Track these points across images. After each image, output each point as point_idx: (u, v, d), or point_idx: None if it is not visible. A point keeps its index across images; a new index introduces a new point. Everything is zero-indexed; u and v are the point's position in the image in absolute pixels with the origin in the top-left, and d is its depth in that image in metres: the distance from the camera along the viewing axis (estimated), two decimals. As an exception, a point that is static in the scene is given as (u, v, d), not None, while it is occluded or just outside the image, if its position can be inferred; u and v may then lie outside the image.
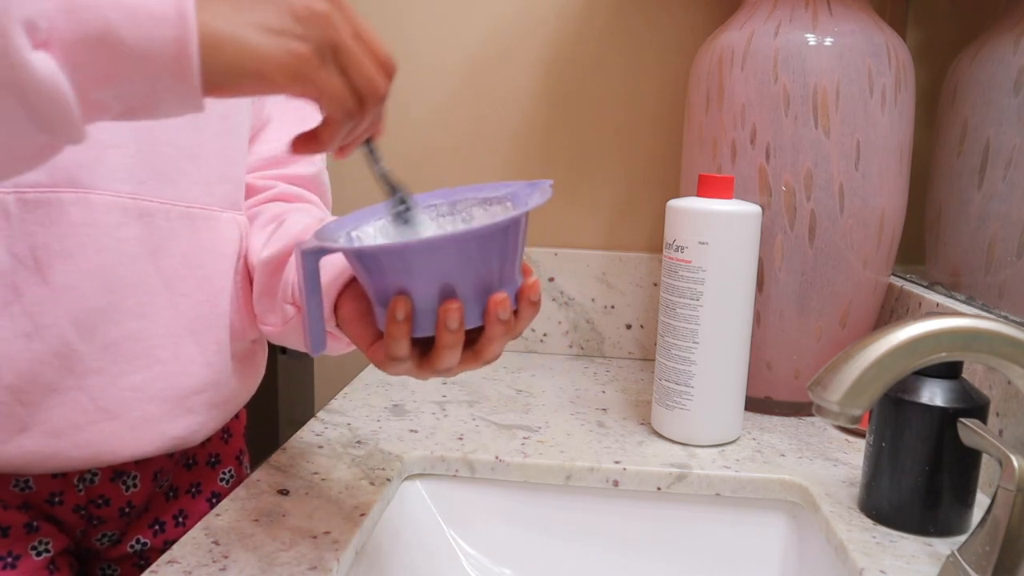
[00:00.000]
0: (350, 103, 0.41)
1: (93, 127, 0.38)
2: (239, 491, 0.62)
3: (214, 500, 0.72)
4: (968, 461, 0.58)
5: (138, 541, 0.68)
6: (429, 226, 0.53)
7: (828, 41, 0.76)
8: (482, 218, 0.52)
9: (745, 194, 0.79)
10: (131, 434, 0.59)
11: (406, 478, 0.69)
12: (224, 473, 0.73)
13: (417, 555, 0.66)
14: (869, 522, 0.60)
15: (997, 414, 0.64)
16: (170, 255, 0.59)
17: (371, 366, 0.96)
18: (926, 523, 0.58)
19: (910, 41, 0.95)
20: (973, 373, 0.67)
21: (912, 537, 0.58)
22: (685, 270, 0.71)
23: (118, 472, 0.64)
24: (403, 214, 0.51)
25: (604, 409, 0.84)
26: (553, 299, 1.05)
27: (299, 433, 0.74)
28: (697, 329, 0.72)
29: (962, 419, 0.54)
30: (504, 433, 0.75)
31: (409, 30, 1.04)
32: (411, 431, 0.75)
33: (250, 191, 0.70)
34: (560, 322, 1.05)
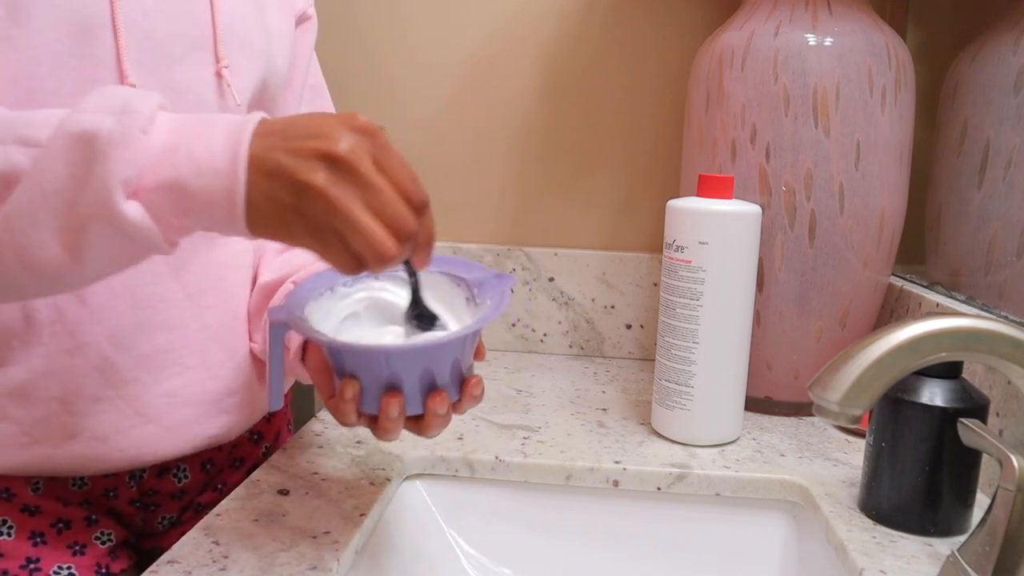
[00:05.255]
0: (349, 263, 0.45)
1: None
2: (239, 491, 0.62)
3: (251, 469, 0.76)
4: (968, 461, 0.58)
5: (196, 509, 0.72)
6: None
7: (828, 41, 0.76)
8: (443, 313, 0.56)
9: (745, 194, 0.79)
10: (168, 436, 0.64)
11: (406, 478, 0.69)
12: (266, 449, 0.79)
13: (417, 555, 0.66)
14: (869, 522, 0.60)
15: (997, 414, 0.64)
16: (191, 272, 0.63)
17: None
18: (926, 523, 0.58)
19: (910, 41, 0.95)
20: (973, 373, 0.67)
21: (912, 537, 0.58)
22: (685, 270, 0.71)
23: (163, 468, 0.68)
24: (415, 324, 0.54)
25: (604, 409, 0.84)
26: (553, 299, 1.05)
27: (299, 433, 0.74)
28: (697, 329, 0.72)
29: (962, 419, 0.54)
30: (504, 433, 0.75)
31: (409, 30, 1.04)
32: (411, 431, 0.75)
33: None
34: (560, 322, 1.05)
